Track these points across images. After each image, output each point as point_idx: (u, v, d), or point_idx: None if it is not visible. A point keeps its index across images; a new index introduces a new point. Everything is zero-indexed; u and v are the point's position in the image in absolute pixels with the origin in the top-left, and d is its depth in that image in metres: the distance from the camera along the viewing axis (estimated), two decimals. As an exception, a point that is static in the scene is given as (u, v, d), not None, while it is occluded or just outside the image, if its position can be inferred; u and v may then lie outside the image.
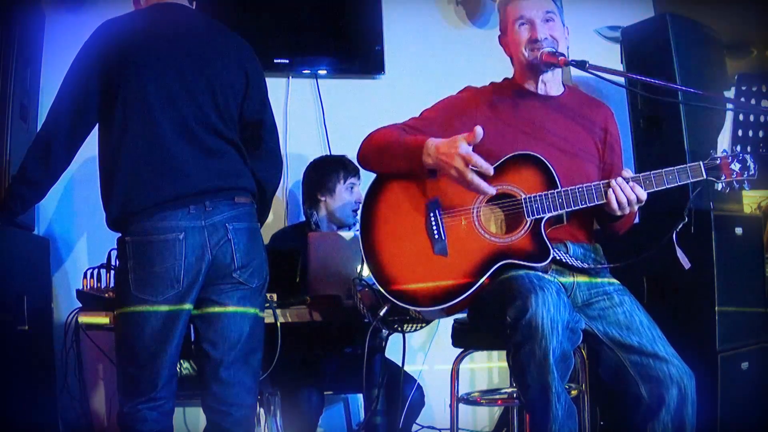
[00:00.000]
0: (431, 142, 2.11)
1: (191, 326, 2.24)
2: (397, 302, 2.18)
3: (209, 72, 2.22)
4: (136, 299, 2.12)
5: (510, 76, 2.40)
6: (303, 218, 3.35)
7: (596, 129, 2.33)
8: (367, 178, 2.37)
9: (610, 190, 2.11)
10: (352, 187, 3.20)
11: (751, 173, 2.11)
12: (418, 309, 2.19)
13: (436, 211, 2.21)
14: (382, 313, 2.25)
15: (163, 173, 2.13)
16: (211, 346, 2.22)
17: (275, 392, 2.93)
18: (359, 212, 2.31)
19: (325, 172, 3.22)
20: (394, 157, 2.23)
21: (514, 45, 2.29)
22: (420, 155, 2.12)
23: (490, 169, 2.05)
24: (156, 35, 2.20)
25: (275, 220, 3.60)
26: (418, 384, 3.09)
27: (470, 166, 2.04)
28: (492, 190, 2.09)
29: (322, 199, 3.21)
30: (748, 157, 2.11)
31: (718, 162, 2.11)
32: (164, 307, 2.12)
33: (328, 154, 3.49)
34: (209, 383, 2.24)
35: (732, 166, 2.10)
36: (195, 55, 2.22)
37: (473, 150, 2.06)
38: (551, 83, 2.32)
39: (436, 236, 2.20)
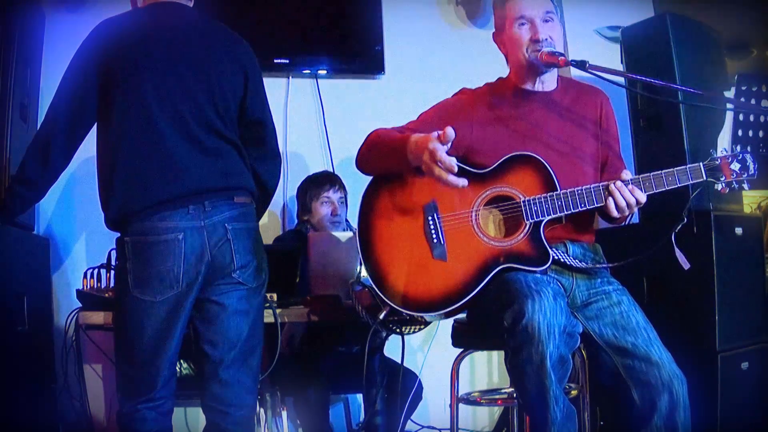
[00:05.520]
0: (412, 138, 2.08)
1: (191, 326, 2.24)
2: (397, 307, 2.17)
3: (208, 71, 2.21)
4: (135, 299, 2.12)
5: (505, 75, 2.38)
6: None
7: (592, 121, 2.30)
8: (361, 185, 2.34)
9: (609, 193, 2.09)
10: (327, 200, 3.24)
11: (751, 173, 2.08)
12: (418, 314, 2.18)
13: (434, 215, 2.20)
14: (381, 317, 2.25)
15: (162, 173, 2.12)
16: (211, 346, 2.22)
17: (275, 392, 2.94)
18: (357, 216, 2.29)
19: (300, 193, 3.32)
20: (384, 156, 2.22)
21: (513, 44, 2.25)
22: (405, 152, 2.10)
23: (453, 167, 1.98)
24: (154, 34, 2.20)
25: (274, 221, 3.60)
26: (419, 380, 3.10)
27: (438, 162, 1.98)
28: (463, 182, 2.01)
29: (305, 218, 3.29)
30: (748, 156, 2.08)
31: (717, 162, 2.08)
32: (163, 308, 2.12)
33: (314, 173, 3.42)
34: (209, 383, 2.24)
35: (732, 167, 2.08)
36: (194, 55, 2.21)
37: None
38: (548, 81, 2.30)
39: (435, 240, 2.19)
